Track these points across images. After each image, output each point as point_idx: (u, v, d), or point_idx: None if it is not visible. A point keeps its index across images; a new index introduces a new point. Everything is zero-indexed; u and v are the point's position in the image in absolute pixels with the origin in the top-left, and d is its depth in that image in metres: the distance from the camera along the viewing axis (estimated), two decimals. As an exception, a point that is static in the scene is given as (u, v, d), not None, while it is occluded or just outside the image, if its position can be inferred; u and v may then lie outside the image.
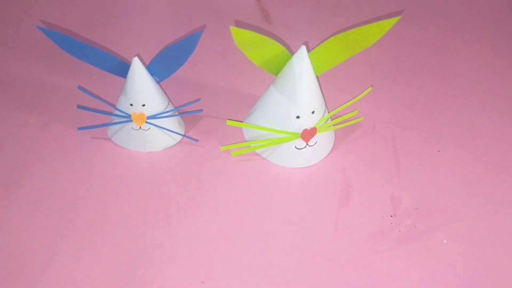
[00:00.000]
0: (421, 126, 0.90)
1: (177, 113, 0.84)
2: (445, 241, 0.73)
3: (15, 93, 0.93)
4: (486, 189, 0.80)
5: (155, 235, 0.73)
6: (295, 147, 0.80)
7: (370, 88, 0.83)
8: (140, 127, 0.80)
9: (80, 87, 0.84)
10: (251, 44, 0.72)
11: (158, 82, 0.80)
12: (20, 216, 0.74)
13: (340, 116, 0.85)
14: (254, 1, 1.17)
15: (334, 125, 0.85)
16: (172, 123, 0.82)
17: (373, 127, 0.89)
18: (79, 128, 0.83)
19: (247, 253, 0.71)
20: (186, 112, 0.85)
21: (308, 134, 0.78)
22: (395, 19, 0.66)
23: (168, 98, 0.84)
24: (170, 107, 0.82)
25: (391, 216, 0.76)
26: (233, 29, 0.67)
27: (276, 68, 0.79)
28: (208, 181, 0.80)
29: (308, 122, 0.77)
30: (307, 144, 0.80)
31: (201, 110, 0.85)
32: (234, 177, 0.81)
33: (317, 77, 0.78)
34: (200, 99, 0.88)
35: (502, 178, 0.82)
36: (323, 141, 0.82)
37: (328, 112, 0.83)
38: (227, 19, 1.13)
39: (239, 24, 1.10)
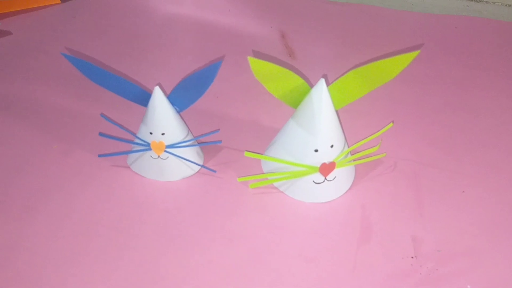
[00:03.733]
0: (445, 165, 0.87)
1: (195, 143, 0.84)
2: (468, 287, 0.70)
3: (41, 119, 0.95)
4: (513, 233, 0.77)
5: (167, 265, 0.71)
6: (313, 181, 0.78)
7: (391, 124, 0.82)
8: (158, 156, 0.80)
9: (102, 115, 0.86)
10: (270, 76, 0.72)
11: (178, 112, 0.81)
12: (36, 239, 0.74)
13: (360, 151, 0.83)
14: (279, 37, 1.18)
15: (353, 160, 0.83)
16: (190, 153, 0.82)
17: (394, 165, 0.87)
18: (99, 155, 0.84)
19: (259, 288, 0.69)
20: (204, 143, 0.85)
21: (326, 169, 0.77)
22: (415, 53, 0.65)
23: (188, 128, 0.84)
24: (190, 137, 0.83)
25: (412, 257, 0.73)
26: (251, 60, 0.67)
27: (296, 101, 0.78)
28: (224, 212, 0.79)
29: (326, 156, 0.76)
30: (325, 178, 0.78)
31: (220, 141, 0.85)
32: (250, 210, 0.79)
33: (337, 111, 0.77)
34: (219, 129, 0.88)
35: (531, 222, 0.78)
36: (343, 176, 0.81)
37: (348, 147, 0.82)
38: (251, 52, 1.14)
39: (259, 55, 1.11)
